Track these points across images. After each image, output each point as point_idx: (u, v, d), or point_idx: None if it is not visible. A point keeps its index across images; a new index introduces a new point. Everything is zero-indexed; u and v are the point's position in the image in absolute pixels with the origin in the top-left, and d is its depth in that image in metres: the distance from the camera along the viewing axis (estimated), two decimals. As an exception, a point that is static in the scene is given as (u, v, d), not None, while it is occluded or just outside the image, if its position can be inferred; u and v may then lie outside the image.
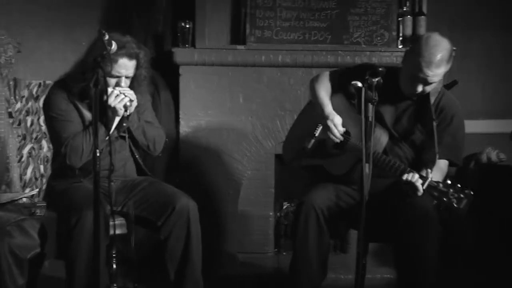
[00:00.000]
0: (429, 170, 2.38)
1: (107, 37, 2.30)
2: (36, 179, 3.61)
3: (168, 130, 3.51)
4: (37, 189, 3.50)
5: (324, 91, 2.73)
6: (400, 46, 3.60)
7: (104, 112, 2.44)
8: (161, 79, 3.67)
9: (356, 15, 3.60)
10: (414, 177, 2.38)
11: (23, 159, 3.54)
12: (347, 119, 2.68)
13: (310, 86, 2.82)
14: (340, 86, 2.74)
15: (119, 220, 2.64)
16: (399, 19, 3.61)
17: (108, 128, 2.53)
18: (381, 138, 2.60)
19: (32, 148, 3.58)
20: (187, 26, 3.58)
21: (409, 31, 3.60)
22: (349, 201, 2.68)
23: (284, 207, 3.81)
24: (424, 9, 3.61)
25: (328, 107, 2.67)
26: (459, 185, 2.30)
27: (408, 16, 3.60)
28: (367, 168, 2.20)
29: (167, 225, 2.60)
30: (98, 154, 2.16)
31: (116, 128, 2.62)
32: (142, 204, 2.67)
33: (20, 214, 2.60)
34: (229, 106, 3.66)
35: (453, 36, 3.49)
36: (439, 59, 2.43)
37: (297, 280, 2.66)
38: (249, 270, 3.50)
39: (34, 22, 3.61)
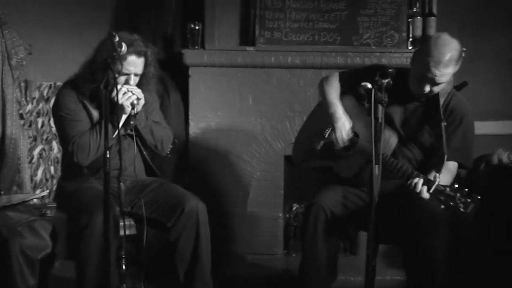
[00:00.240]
0: (437, 174, 2.36)
1: (117, 38, 2.32)
2: (47, 180, 3.62)
3: (178, 132, 3.52)
4: (48, 190, 3.52)
5: (334, 92, 2.73)
6: (410, 47, 3.58)
7: (111, 109, 2.45)
8: (170, 80, 3.69)
9: (365, 16, 3.59)
10: (418, 183, 2.36)
11: (33, 160, 3.56)
12: (356, 121, 2.68)
13: (319, 87, 2.82)
14: (349, 87, 2.73)
15: (129, 221, 2.65)
16: (409, 20, 3.59)
17: (115, 126, 2.54)
18: (390, 139, 2.60)
19: (43, 149, 3.60)
20: (197, 27, 3.58)
21: (419, 32, 3.58)
22: (359, 202, 2.67)
23: (294, 208, 3.81)
24: (434, 10, 3.59)
25: (339, 109, 2.67)
26: (466, 189, 2.28)
27: (418, 17, 3.57)
28: (376, 170, 2.19)
29: (177, 226, 2.60)
30: (108, 155, 2.17)
31: (123, 126, 2.62)
32: (152, 205, 2.67)
33: (31, 215, 2.60)
34: (238, 108, 3.65)
35: (463, 37, 3.46)
36: (447, 59, 2.42)
37: (306, 282, 2.65)
38: (258, 272, 3.50)
39: (44, 23, 3.62)
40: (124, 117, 2.60)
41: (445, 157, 2.46)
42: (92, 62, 2.57)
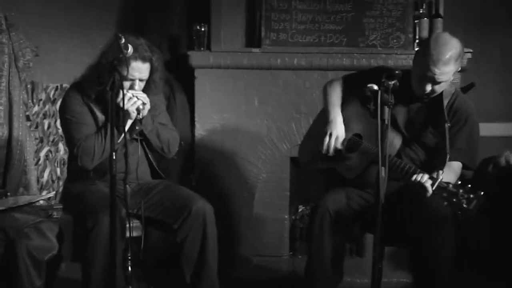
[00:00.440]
0: (439, 171, 2.36)
1: (123, 40, 2.32)
2: (53, 181, 3.63)
3: (184, 133, 3.51)
4: (54, 192, 3.51)
5: (335, 98, 2.75)
6: (416, 49, 3.56)
7: (117, 114, 2.44)
8: (176, 82, 3.69)
9: (371, 18, 3.58)
10: (423, 177, 2.36)
11: (40, 162, 3.56)
12: (359, 123, 2.69)
13: (323, 91, 2.84)
14: (354, 89, 2.74)
15: (135, 223, 2.64)
16: (416, 21, 3.58)
17: (120, 131, 2.53)
18: (394, 140, 2.60)
19: (49, 151, 3.60)
20: (203, 29, 3.58)
21: (425, 33, 3.56)
22: (364, 204, 2.67)
23: (300, 210, 3.80)
24: (441, 11, 3.57)
25: (338, 117, 2.69)
26: (469, 186, 2.27)
27: (425, 18, 3.56)
28: (383, 172, 2.19)
29: (183, 228, 2.60)
30: (114, 157, 2.17)
31: (128, 130, 2.62)
32: (158, 207, 2.67)
33: (38, 216, 2.61)
34: (244, 109, 3.65)
35: (470, 38, 3.47)
36: (447, 57, 2.42)
37: (312, 284, 2.65)
38: (264, 274, 3.50)
39: (51, 25, 3.63)
40: (129, 122, 2.60)
41: (447, 157, 2.46)
42: (98, 65, 2.56)
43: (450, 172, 2.47)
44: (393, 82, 2.20)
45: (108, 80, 2.25)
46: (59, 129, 3.59)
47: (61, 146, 3.63)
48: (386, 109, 2.19)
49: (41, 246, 2.43)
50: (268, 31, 3.60)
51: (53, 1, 3.68)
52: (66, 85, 3.52)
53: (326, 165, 2.76)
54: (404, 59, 3.52)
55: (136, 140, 2.70)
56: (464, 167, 2.59)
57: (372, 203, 2.39)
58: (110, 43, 2.57)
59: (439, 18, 3.56)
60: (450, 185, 2.30)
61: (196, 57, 3.58)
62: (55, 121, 3.62)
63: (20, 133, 3.35)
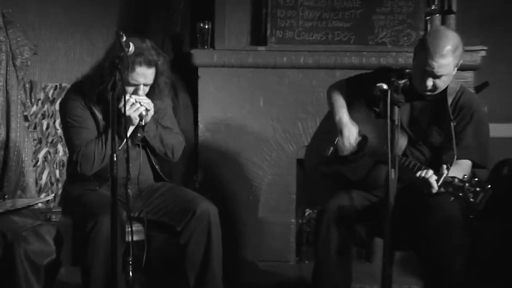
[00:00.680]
0: (444, 166, 2.33)
1: (124, 38, 2.29)
2: (52, 184, 3.62)
3: (186, 134, 3.50)
4: (53, 194, 3.53)
5: (340, 99, 2.78)
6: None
7: (119, 120, 2.42)
8: (179, 81, 3.68)
9: (381, 15, 3.56)
10: (428, 173, 2.35)
11: (38, 164, 3.56)
12: (365, 125, 2.69)
13: (327, 94, 2.86)
14: (358, 91, 2.75)
15: (136, 227, 2.62)
16: (427, 18, 3.55)
17: (121, 137, 2.50)
18: (400, 140, 2.56)
19: (48, 152, 3.60)
20: (206, 26, 3.58)
21: (437, 30, 3.53)
22: (371, 206, 2.65)
23: (306, 213, 3.78)
24: (454, 7, 3.54)
25: (345, 116, 2.71)
26: (476, 179, 2.24)
27: (437, 15, 3.53)
28: (393, 174, 2.18)
29: (187, 230, 2.58)
30: (115, 159, 2.15)
31: (130, 137, 2.59)
32: (161, 209, 2.66)
33: (36, 219, 2.59)
34: (249, 109, 3.64)
35: (484, 35, 3.45)
36: (444, 50, 2.42)
37: (319, 290, 2.64)
38: (269, 279, 3.48)
39: (50, 22, 3.62)
40: (131, 128, 2.57)
41: (455, 157, 2.44)
42: (101, 65, 2.54)
43: (458, 170, 2.42)
44: (403, 81, 2.21)
45: (109, 79, 2.24)
46: (58, 129, 3.59)
47: (60, 147, 3.62)
48: (396, 109, 2.18)
49: (39, 250, 2.41)
50: (274, 29, 3.59)
51: (53, -1, 3.67)
52: (65, 85, 3.51)
53: (331, 170, 2.76)
54: (414, 57, 3.50)
55: (139, 145, 2.67)
56: (475, 165, 2.56)
57: (379, 205, 2.40)
58: (113, 43, 2.55)
59: (452, 14, 3.52)
60: (456, 179, 2.28)
61: (199, 56, 3.57)
62: (54, 122, 3.61)
63: (18, 133, 3.33)
